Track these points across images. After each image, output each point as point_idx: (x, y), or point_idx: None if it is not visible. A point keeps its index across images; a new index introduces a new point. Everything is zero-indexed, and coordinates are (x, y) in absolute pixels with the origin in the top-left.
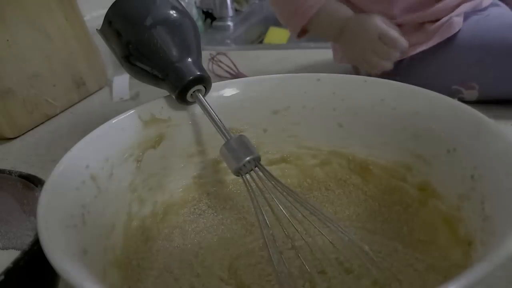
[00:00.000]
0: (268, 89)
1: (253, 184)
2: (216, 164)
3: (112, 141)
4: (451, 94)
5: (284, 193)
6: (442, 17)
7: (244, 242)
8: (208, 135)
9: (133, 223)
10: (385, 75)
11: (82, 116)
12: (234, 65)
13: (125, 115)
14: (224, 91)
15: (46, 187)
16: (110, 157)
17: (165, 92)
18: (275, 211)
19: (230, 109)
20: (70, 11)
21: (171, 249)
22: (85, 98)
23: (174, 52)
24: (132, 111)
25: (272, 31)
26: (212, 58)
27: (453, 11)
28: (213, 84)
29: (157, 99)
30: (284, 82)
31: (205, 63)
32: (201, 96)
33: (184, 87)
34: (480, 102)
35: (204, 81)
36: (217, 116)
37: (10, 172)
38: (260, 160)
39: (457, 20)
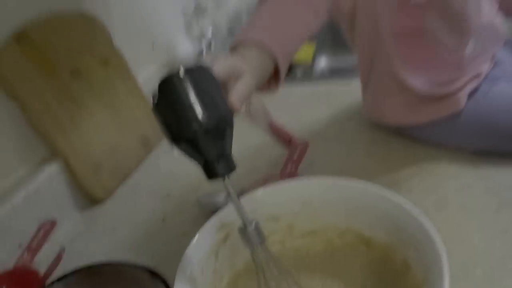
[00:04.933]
0: (299, 188)
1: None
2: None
3: (200, 249)
4: None
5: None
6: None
7: None
8: None
9: None
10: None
11: (153, 171)
12: (268, 113)
13: (204, 228)
14: (269, 191)
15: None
16: (200, 260)
17: None
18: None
19: (274, 201)
20: (130, 84)
21: None
22: (151, 152)
23: (221, 147)
24: (208, 223)
25: None
26: (248, 102)
27: (460, 90)
28: (268, 188)
29: (220, 212)
30: (311, 183)
31: None
32: (230, 185)
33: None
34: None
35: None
36: (239, 201)
37: (137, 266)
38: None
39: (461, 100)
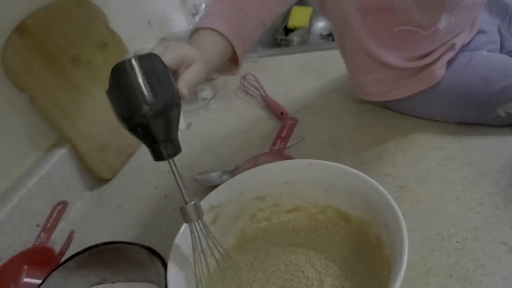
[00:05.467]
0: (280, 170)
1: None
2: (253, 217)
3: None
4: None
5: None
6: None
7: None
8: (245, 202)
9: (211, 269)
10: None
11: None
12: (262, 88)
13: None
14: (254, 173)
15: (168, 273)
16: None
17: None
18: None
19: (259, 182)
20: None
21: None
22: None
23: (168, 131)
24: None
25: (295, 11)
26: (243, 77)
27: (436, 63)
28: (252, 171)
29: (208, 195)
30: (289, 165)
31: (236, 77)
32: (174, 166)
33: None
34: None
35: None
36: (181, 180)
37: (137, 244)
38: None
39: (438, 72)
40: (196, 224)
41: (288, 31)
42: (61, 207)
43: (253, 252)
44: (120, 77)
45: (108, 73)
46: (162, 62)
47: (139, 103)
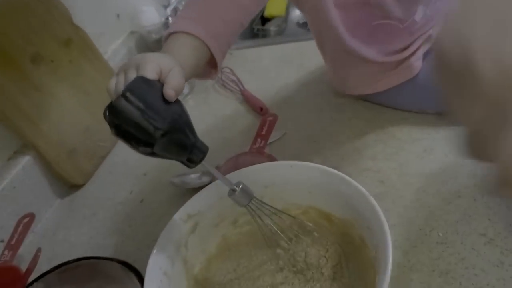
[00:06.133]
0: (260, 173)
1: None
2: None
3: (169, 243)
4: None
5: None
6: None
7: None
8: (225, 207)
9: (191, 282)
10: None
11: (129, 150)
12: (240, 82)
13: (170, 224)
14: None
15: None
16: (170, 253)
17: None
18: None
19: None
20: (96, 62)
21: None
22: None
23: (188, 141)
24: (174, 217)
25: (271, 1)
26: (221, 71)
27: (413, 55)
28: (231, 175)
29: (185, 204)
30: (270, 167)
31: None
32: (208, 165)
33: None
34: None
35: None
36: (220, 173)
37: (111, 259)
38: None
39: (416, 65)
40: (251, 204)
41: (264, 20)
42: (27, 220)
43: (236, 258)
44: (121, 117)
45: (74, 71)
46: (147, 81)
47: (151, 131)
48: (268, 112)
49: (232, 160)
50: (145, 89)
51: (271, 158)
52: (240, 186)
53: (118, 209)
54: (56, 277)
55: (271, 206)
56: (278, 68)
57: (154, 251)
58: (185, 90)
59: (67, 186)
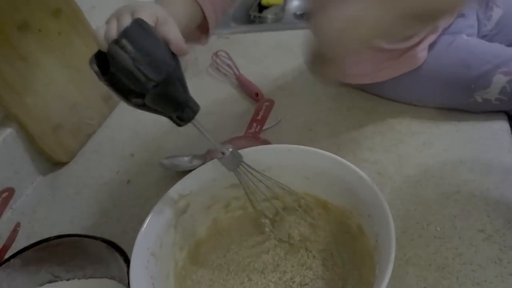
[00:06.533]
0: (257, 156)
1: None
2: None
3: (158, 222)
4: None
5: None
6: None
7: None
8: (218, 190)
9: (179, 264)
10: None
11: (116, 130)
12: (235, 66)
13: (162, 200)
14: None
15: (130, 270)
16: (159, 233)
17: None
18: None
19: None
20: (87, 36)
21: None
22: (114, 109)
23: (181, 96)
24: (165, 195)
25: None
26: (215, 54)
27: (418, 45)
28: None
29: (178, 183)
30: (266, 150)
31: (208, 54)
32: (199, 125)
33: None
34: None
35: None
36: (210, 135)
37: (96, 238)
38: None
39: (420, 55)
40: (240, 168)
41: (261, 8)
42: (6, 195)
43: (226, 243)
44: (116, 63)
45: (63, 43)
46: (148, 27)
47: (144, 82)
48: (264, 98)
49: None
50: (142, 35)
51: (267, 144)
52: (230, 150)
53: (103, 189)
54: (35, 254)
55: (262, 174)
56: (274, 55)
57: (143, 229)
58: None
59: (50, 163)
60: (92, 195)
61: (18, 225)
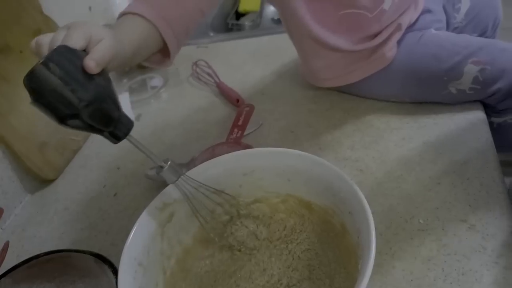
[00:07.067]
0: (238, 160)
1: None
2: (213, 212)
3: (144, 232)
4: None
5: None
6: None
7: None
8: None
9: (167, 272)
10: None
11: (101, 144)
12: (215, 74)
13: (146, 212)
14: (211, 165)
15: (118, 282)
16: (145, 242)
17: None
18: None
19: (217, 175)
20: None
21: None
22: None
23: (114, 114)
24: (150, 205)
25: None
26: (195, 63)
27: (385, 44)
28: (208, 163)
29: (161, 192)
30: (249, 155)
31: (188, 64)
32: (133, 137)
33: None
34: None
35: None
36: (147, 149)
37: (84, 252)
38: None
39: (389, 54)
40: (180, 180)
41: (239, 15)
42: None
43: (213, 250)
44: (40, 86)
45: None
46: (72, 51)
47: (69, 102)
48: (244, 103)
49: (209, 151)
50: (67, 58)
51: (248, 148)
52: (169, 163)
53: (91, 203)
54: (26, 272)
55: (203, 183)
56: (253, 61)
57: (129, 240)
58: (159, 83)
59: (38, 181)
60: (80, 210)
61: (7, 243)
